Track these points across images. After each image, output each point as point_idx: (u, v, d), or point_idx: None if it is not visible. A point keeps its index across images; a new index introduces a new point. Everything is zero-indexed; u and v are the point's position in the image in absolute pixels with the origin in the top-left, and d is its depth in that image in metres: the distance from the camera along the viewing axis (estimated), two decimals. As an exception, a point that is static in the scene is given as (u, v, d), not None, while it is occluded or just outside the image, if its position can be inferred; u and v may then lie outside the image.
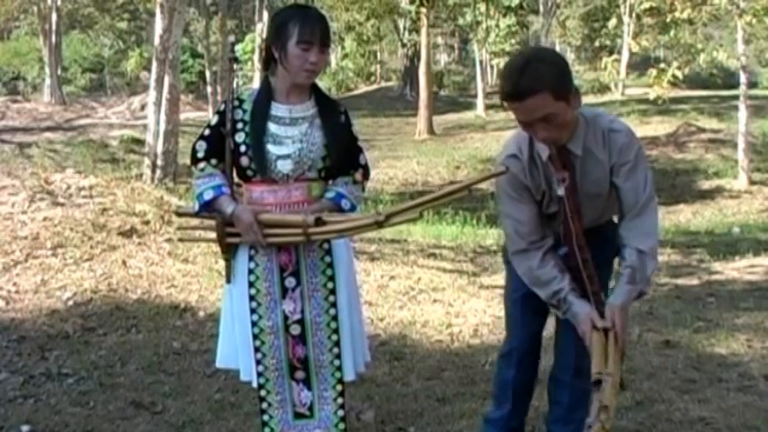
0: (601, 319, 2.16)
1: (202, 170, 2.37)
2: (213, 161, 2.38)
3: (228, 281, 2.43)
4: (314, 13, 2.34)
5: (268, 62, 2.40)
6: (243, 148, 2.33)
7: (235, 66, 2.67)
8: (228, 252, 2.41)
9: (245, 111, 2.36)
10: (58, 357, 3.63)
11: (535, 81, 1.99)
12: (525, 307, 2.45)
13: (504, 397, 2.54)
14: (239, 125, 2.35)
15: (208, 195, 2.33)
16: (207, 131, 2.40)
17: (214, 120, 2.40)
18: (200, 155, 2.38)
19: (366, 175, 2.49)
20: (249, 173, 2.35)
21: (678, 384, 3.39)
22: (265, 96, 2.37)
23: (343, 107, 2.46)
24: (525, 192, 2.22)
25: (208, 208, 2.35)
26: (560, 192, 2.19)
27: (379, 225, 2.21)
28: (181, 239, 2.98)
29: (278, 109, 2.36)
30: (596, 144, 2.18)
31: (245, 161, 2.34)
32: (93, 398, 3.21)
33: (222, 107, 2.39)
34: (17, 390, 3.26)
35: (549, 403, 2.57)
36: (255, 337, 2.38)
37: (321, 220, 2.27)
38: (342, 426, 2.43)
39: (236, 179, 2.41)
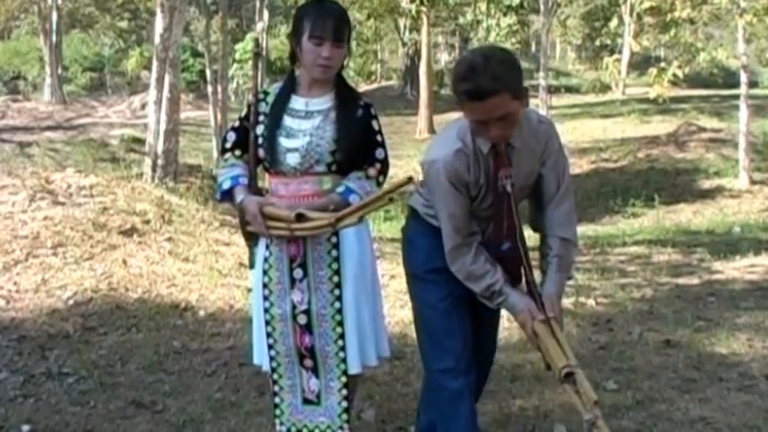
0: (540, 310, 2.19)
1: (226, 160, 2.47)
2: (237, 152, 2.46)
3: (251, 267, 2.54)
4: (329, 8, 2.34)
5: (294, 56, 2.43)
6: (260, 141, 2.39)
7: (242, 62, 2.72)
8: (250, 240, 2.49)
9: (267, 103, 2.41)
10: (59, 357, 3.63)
11: (496, 81, 2.00)
12: (458, 313, 2.37)
13: (454, 410, 2.38)
14: (261, 117, 2.40)
15: (226, 185, 2.42)
16: (236, 123, 2.48)
17: (243, 112, 2.47)
18: (228, 145, 2.48)
19: (383, 171, 2.48)
20: (266, 164, 2.42)
21: (679, 384, 3.39)
22: (287, 89, 2.42)
23: (364, 101, 2.46)
24: (464, 187, 2.21)
25: (228, 196, 2.44)
26: (508, 188, 2.20)
27: (333, 226, 2.27)
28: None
29: (296, 102, 2.40)
30: (532, 136, 2.22)
31: (261, 153, 2.40)
32: (93, 397, 3.21)
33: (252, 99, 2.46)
34: (17, 389, 3.26)
35: None
36: (267, 323, 2.44)
37: (304, 216, 2.29)
38: (345, 417, 2.46)
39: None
